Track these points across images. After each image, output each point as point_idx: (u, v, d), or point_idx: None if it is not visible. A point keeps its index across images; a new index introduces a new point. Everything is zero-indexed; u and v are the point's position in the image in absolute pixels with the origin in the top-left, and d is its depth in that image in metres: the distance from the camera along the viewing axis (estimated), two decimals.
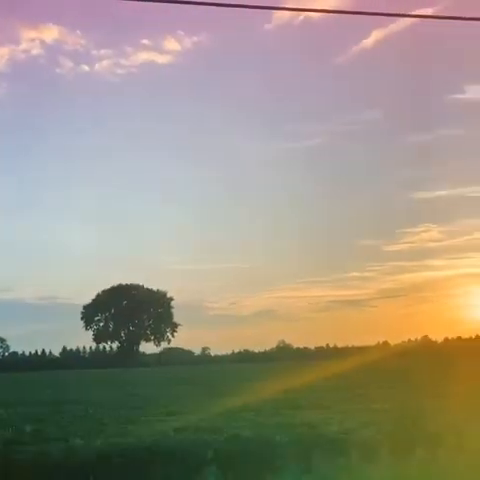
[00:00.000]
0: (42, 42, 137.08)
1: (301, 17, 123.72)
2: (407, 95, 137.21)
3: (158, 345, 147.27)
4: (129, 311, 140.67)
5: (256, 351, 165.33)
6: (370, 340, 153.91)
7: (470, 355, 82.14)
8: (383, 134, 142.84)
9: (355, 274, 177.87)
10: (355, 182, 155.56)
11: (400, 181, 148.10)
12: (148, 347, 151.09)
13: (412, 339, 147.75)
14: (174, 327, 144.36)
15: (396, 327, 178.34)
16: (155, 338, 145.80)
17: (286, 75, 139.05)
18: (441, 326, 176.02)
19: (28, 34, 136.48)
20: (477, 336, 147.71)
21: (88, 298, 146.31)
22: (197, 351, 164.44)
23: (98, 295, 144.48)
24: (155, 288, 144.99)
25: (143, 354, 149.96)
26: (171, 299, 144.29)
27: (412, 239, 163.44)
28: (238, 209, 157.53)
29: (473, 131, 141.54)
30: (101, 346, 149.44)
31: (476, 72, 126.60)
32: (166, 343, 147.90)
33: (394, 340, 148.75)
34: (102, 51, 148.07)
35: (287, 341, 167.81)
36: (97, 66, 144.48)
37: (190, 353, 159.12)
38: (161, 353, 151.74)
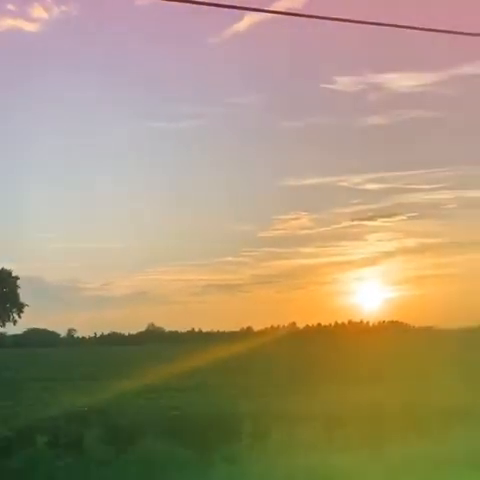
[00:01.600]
0: None
1: None
2: (280, 82, 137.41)
3: (2, 326, 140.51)
4: None
5: (126, 334, 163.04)
6: (240, 325, 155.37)
7: (323, 342, 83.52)
8: (256, 119, 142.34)
9: (230, 259, 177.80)
10: (229, 167, 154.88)
11: (272, 168, 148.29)
12: (10, 328, 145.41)
13: (280, 325, 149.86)
14: (21, 307, 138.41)
15: (266, 313, 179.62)
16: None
17: (155, 54, 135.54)
18: (309, 313, 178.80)
19: None
20: (336, 323, 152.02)
21: None
22: (63, 333, 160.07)
23: None
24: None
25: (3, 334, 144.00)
26: (17, 278, 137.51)
27: (284, 226, 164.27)
28: (112, 189, 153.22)
29: (342, 121, 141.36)
30: None
31: (346, 64, 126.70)
32: (12, 324, 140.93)
33: (261, 326, 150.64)
34: None
35: (159, 324, 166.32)
36: None
37: (55, 334, 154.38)
38: (23, 334, 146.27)
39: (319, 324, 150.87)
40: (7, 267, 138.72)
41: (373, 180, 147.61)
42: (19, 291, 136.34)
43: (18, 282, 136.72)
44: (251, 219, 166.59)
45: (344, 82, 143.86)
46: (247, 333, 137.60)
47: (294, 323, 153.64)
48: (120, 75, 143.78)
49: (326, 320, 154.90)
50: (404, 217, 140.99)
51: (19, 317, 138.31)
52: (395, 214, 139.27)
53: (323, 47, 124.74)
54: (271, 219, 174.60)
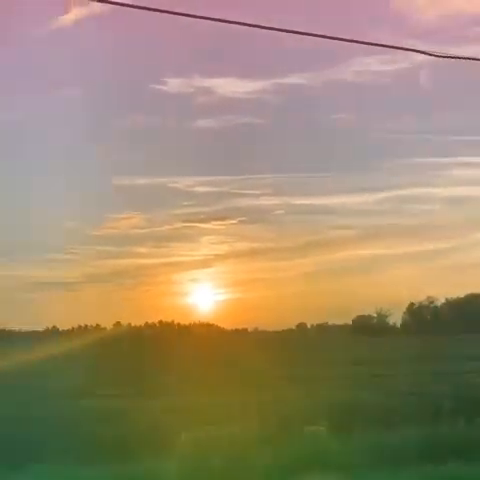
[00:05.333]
0: None
1: None
2: (108, 78, 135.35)
3: None
4: None
5: None
6: (62, 325, 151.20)
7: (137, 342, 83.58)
8: (84, 115, 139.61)
9: (57, 256, 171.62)
10: (58, 164, 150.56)
11: (103, 166, 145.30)
12: None
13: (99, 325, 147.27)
14: None
15: (92, 312, 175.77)
16: None
17: None
18: (139, 313, 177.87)
19: None
20: (146, 323, 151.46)
21: None
22: None
23: None
24: None
25: None
26: None
27: (116, 225, 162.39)
28: None
29: (171, 122, 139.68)
30: None
31: (176, 66, 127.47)
32: None
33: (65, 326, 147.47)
34: None
35: None
36: None
37: None
38: None
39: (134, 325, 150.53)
40: None
41: (203, 183, 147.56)
42: None
43: None
44: (81, 217, 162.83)
45: (174, 84, 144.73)
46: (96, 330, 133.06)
47: (118, 322, 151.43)
48: None
49: (150, 320, 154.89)
50: (235, 221, 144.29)
51: None
52: (226, 218, 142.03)
53: (154, 46, 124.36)
54: (102, 217, 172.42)
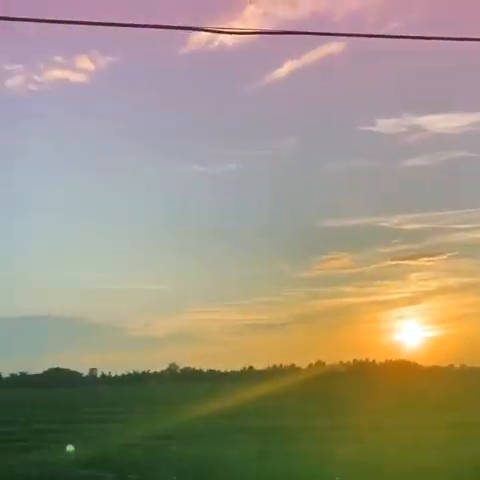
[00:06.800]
0: None
1: (216, 43, 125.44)
2: (320, 125, 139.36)
3: None
4: None
5: (152, 372, 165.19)
6: (258, 365, 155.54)
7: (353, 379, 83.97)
8: (295, 162, 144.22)
9: (266, 299, 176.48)
10: (268, 207, 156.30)
11: (311, 208, 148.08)
12: (32, 367, 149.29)
13: (312, 364, 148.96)
14: None
15: (304, 351, 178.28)
16: None
17: (198, 99, 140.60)
18: (338, 351, 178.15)
19: None
20: (355, 360, 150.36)
21: None
22: (85, 372, 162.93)
23: None
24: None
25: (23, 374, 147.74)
26: None
27: (324, 265, 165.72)
28: (156, 231, 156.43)
29: (382, 162, 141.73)
30: None
31: (385, 106, 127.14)
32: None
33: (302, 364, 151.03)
34: (14, 66, 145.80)
35: (194, 363, 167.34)
36: (9, 81, 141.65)
37: (76, 374, 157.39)
38: (44, 374, 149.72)
39: (355, 360, 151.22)
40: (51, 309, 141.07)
41: (413, 220, 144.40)
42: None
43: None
44: (291, 260, 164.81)
45: (384, 124, 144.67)
46: (291, 370, 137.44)
47: (319, 362, 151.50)
48: (165, 121, 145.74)
49: (364, 357, 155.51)
50: (445, 256, 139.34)
51: None
52: (436, 253, 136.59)
53: (362, 90, 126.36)
54: (311, 259, 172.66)
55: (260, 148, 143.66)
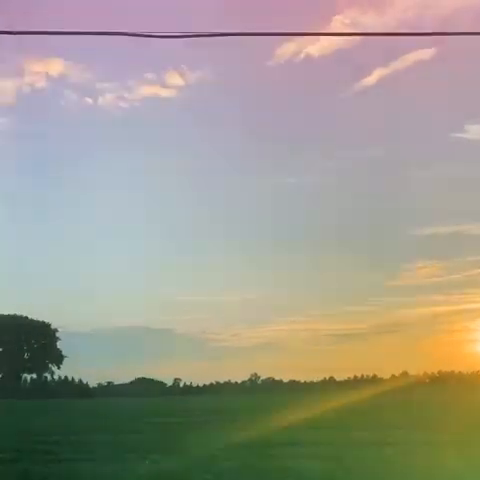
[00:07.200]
0: (47, 75, 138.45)
1: (302, 55, 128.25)
2: (409, 132, 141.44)
3: (43, 377, 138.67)
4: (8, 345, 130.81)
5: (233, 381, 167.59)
6: (339, 376, 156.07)
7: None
8: (384, 170, 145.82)
9: (353, 308, 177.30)
10: (357, 216, 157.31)
11: (400, 217, 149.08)
12: (117, 377, 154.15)
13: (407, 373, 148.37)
14: (60, 358, 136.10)
15: (391, 362, 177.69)
16: (37, 369, 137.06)
17: (288, 110, 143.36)
18: (438, 361, 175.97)
19: (33, 67, 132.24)
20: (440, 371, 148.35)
21: None
22: (169, 382, 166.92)
23: None
24: (41, 319, 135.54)
25: (110, 385, 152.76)
26: (56, 330, 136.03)
27: (413, 274, 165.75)
28: (244, 242, 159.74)
29: (472, 170, 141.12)
30: None
31: (476, 112, 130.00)
32: (49, 375, 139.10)
33: (386, 374, 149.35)
34: (106, 84, 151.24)
35: (280, 374, 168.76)
36: (101, 99, 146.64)
37: (161, 384, 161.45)
38: (131, 383, 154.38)
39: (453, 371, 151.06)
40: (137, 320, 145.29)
41: None
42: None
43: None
44: (380, 268, 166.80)
45: (474, 130, 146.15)
46: (373, 381, 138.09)
47: (405, 372, 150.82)
48: (256, 134, 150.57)
49: (450, 368, 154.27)
50: None
51: (58, 368, 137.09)
52: None
53: (451, 96, 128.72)
54: (399, 268, 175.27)
55: (350, 156, 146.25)
